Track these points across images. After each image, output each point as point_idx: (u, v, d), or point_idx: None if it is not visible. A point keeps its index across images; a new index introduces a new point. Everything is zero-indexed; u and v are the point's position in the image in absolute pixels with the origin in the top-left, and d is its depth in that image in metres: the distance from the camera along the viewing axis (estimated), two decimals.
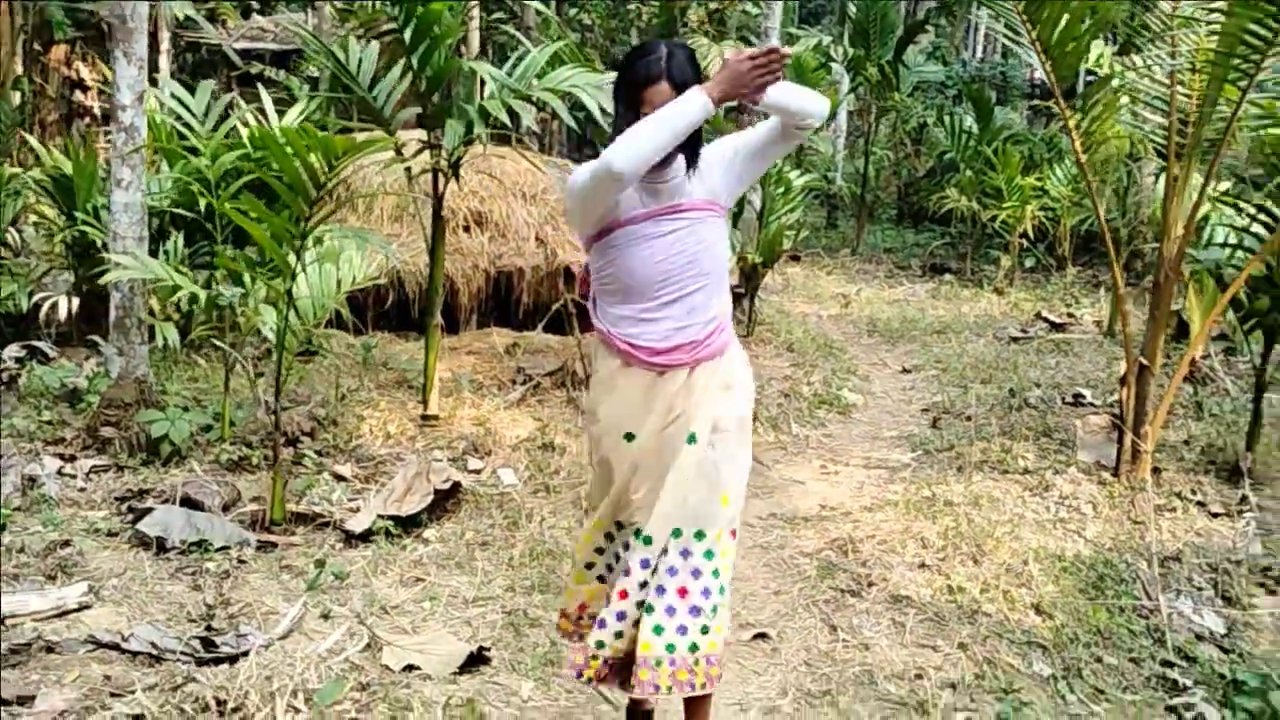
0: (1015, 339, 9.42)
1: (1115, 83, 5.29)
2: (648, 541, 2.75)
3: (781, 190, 8.60)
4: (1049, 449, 6.08)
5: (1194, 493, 5.54)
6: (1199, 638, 4.55)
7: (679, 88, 2.59)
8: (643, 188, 2.72)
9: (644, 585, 2.76)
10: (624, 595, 2.76)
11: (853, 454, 6.28)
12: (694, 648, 2.75)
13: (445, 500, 4.80)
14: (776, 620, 4.12)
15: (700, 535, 2.77)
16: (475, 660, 3.54)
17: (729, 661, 3.77)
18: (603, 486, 2.90)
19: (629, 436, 2.78)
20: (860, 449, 6.39)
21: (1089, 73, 5.91)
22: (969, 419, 6.80)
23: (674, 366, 2.73)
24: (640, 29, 13.19)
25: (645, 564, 2.76)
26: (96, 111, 12.52)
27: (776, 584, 4.46)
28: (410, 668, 3.45)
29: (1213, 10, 4.93)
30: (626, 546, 2.83)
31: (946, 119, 14.04)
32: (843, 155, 17.26)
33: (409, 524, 4.60)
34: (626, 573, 2.77)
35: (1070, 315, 10.34)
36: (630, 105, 2.64)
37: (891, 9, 14.90)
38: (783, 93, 2.61)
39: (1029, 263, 12.93)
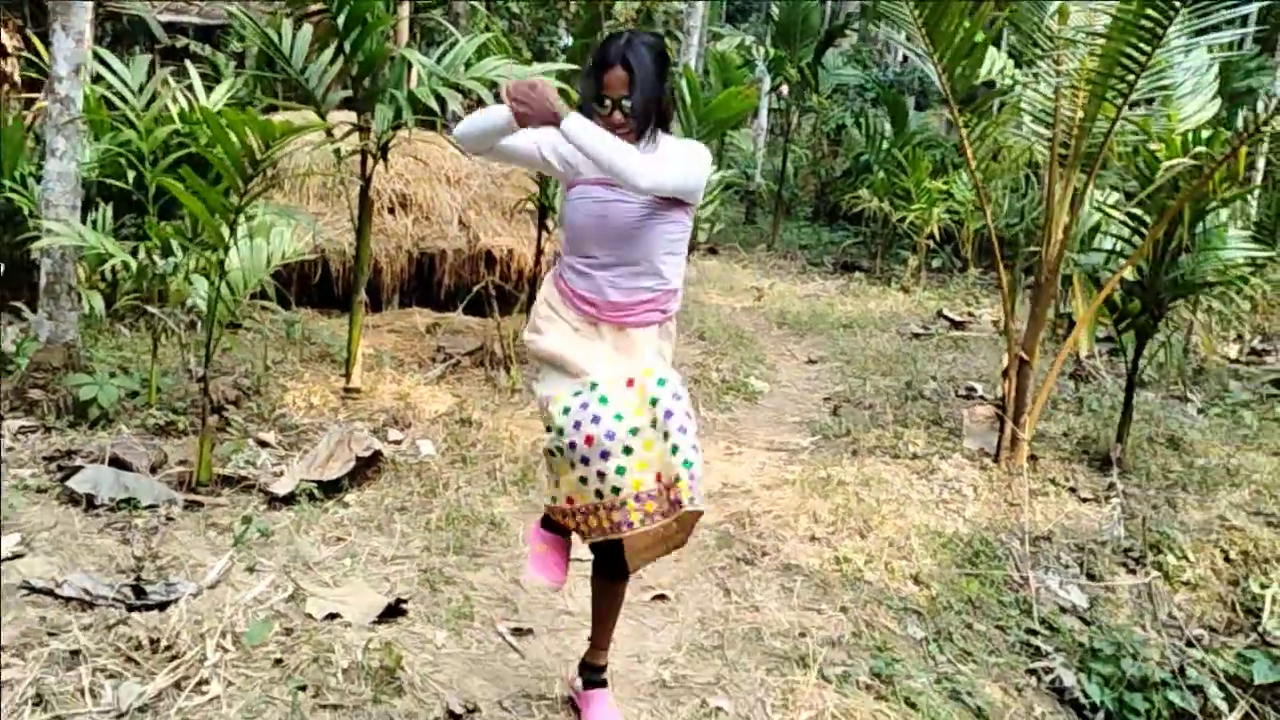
0: (917, 335, 9.89)
1: (1006, 96, 5.70)
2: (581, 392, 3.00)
3: None
4: (938, 436, 6.50)
5: (1067, 479, 6.00)
6: (1063, 610, 4.99)
7: (631, 73, 2.94)
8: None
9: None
10: (589, 441, 2.95)
11: (756, 437, 6.63)
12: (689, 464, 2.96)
13: (366, 468, 5.03)
14: (675, 584, 4.45)
15: (663, 382, 3.00)
16: (393, 611, 3.80)
17: (629, 618, 4.09)
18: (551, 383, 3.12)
19: (579, 374, 3.04)
20: (764, 433, 6.75)
21: (989, 84, 6.34)
22: (868, 408, 7.21)
23: (604, 321, 3.07)
24: (568, 20, 13.41)
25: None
26: (16, 78, 12.34)
27: (677, 553, 4.77)
28: (332, 616, 3.70)
29: (1093, 34, 5.35)
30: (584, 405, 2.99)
31: (863, 122, 14.57)
32: (763, 153, 17.69)
33: (331, 489, 4.83)
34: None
35: (970, 314, 10.87)
36: (592, 83, 3.00)
37: (814, 11, 15.36)
38: (583, 136, 2.87)
39: (936, 263, 13.49)
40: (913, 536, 5.08)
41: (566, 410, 2.99)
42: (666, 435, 2.93)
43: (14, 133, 6.71)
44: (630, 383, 3.00)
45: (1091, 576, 5.23)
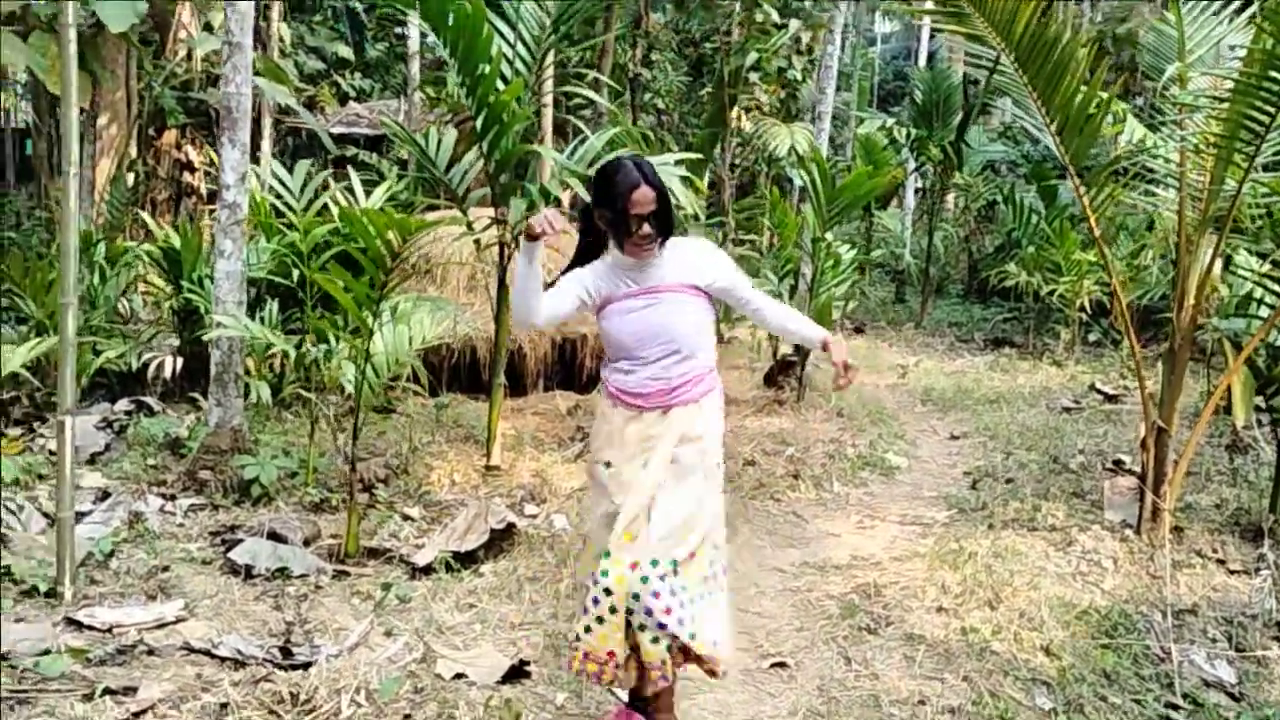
0: (1067, 409, 9.65)
1: (1126, 161, 5.67)
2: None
3: (831, 264, 9.05)
4: (1078, 509, 6.35)
5: (1215, 551, 5.76)
6: (1208, 685, 4.78)
7: (655, 188, 3.29)
8: (628, 277, 3.40)
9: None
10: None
11: (890, 511, 6.61)
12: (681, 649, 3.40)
13: (501, 540, 5.28)
14: (796, 651, 4.49)
15: (645, 579, 3.31)
16: (517, 673, 3.99)
17: (747, 685, 4.16)
18: (593, 510, 3.49)
19: (607, 464, 3.42)
20: (898, 507, 6.72)
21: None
22: (1009, 481, 7.09)
23: (649, 409, 3.40)
24: (710, 113, 13.83)
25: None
26: (202, 191, 13.49)
27: (800, 621, 4.83)
28: (459, 676, 3.91)
29: (1214, 98, 5.30)
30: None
31: (1012, 197, 14.42)
32: (909, 232, 17.64)
33: (467, 559, 5.09)
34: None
35: (1125, 387, 10.53)
36: (618, 208, 3.29)
37: (956, 91, 15.38)
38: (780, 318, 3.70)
39: (1092, 337, 13.13)
40: (1045, 608, 4.98)
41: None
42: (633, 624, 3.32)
43: (193, 239, 7.39)
44: (634, 566, 3.31)
45: (1240, 650, 5.00)
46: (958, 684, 4.26)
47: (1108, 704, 4.40)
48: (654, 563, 3.29)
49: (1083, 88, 5.32)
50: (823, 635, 4.66)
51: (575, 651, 3.38)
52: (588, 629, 3.32)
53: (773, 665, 4.36)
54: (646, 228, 3.29)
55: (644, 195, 3.26)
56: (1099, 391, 10.29)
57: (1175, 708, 4.50)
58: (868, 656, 4.46)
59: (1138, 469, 7.08)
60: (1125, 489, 6.39)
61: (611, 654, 3.36)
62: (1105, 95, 5.38)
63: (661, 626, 3.29)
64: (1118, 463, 7.51)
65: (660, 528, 3.32)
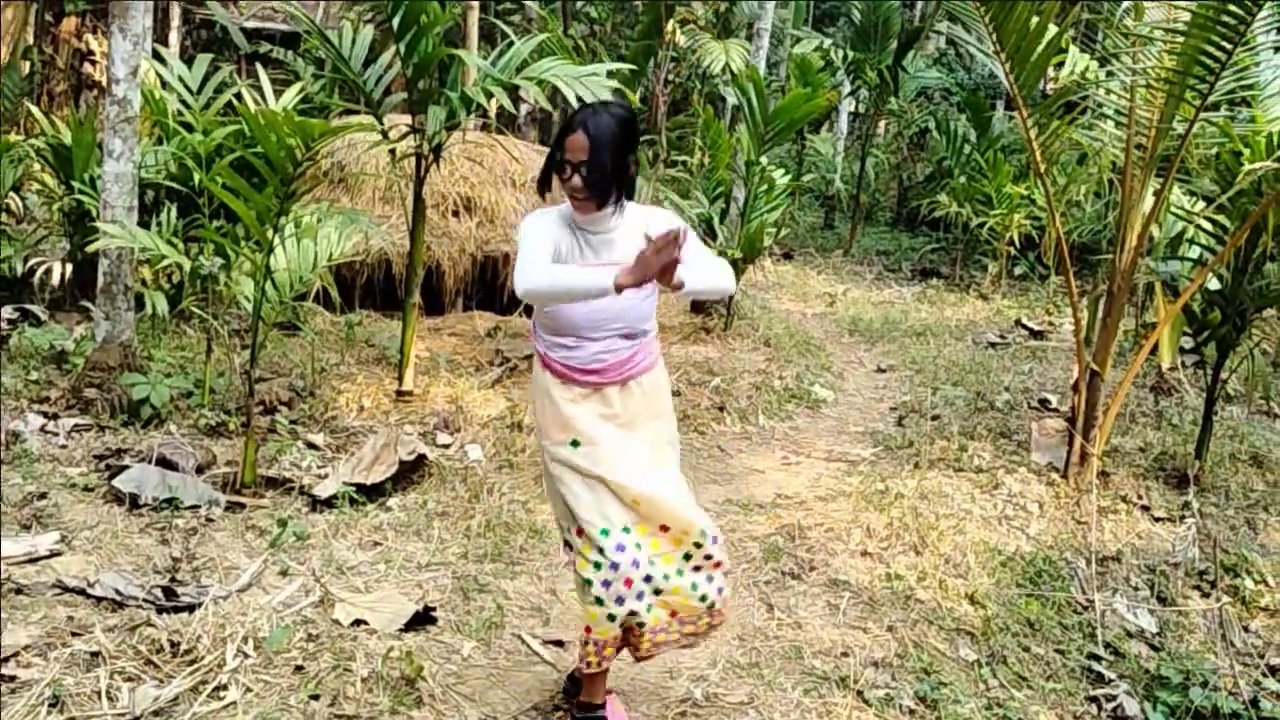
0: (993, 344, 9.59)
1: (1083, 96, 5.46)
2: (626, 531, 3.05)
3: (765, 188, 8.77)
4: (1005, 450, 6.25)
5: (1140, 497, 5.71)
6: (1130, 635, 4.73)
7: (592, 139, 2.90)
8: (583, 238, 3.04)
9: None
10: (629, 583, 3.04)
11: (816, 447, 6.46)
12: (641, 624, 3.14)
13: (411, 472, 5.00)
14: None
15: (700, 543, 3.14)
16: (421, 619, 3.74)
17: None
18: (559, 498, 3.14)
19: (574, 443, 3.07)
20: (824, 442, 6.57)
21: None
22: (935, 418, 6.98)
23: (605, 384, 3.08)
24: (645, 25, 13.34)
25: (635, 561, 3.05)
26: (104, 84, 12.70)
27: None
28: (359, 623, 3.64)
29: (1170, 30, 5.09)
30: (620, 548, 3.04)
31: (945, 125, 14.23)
32: (842, 158, 17.42)
33: (373, 492, 4.80)
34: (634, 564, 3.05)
35: (1050, 323, 10.51)
36: (554, 150, 2.98)
37: (894, 14, 15.05)
38: (694, 283, 2.91)
39: (1018, 271, 13.10)
40: (970, 554, 4.87)
41: (598, 560, 3.04)
42: (695, 586, 3.14)
43: (85, 135, 6.84)
44: (664, 529, 3.10)
45: (1162, 600, 4.96)
46: (882, 635, 4.12)
47: (1030, 654, 4.32)
48: (700, 540, 3.14)
49: (1035, 16, 5.07)
50: (744, 580, 4.49)
51: (588, 647, 3.13)
52: (612, 617, 3.05)
53: None
54: (577, 180, 2.92)
55: (576, 142, 2.91)
56: (1024, 327, 10.25)
57: (1097, 658, 4.44)
58: (790, 604, 4.29)
59: (1065, 410, 7.02)
60: (1052, 431, 6.31)
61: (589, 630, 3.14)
62: (1059, 26, 5.13)
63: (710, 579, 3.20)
64: (1043, 402, 7.45)
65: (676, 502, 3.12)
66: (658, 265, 2.75)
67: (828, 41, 15.71)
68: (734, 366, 7.81)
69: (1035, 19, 5.07)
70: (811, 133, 17.32)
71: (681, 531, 3.11)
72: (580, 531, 3.06)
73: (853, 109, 19.02)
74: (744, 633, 4.04)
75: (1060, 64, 7.49)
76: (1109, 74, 5.45)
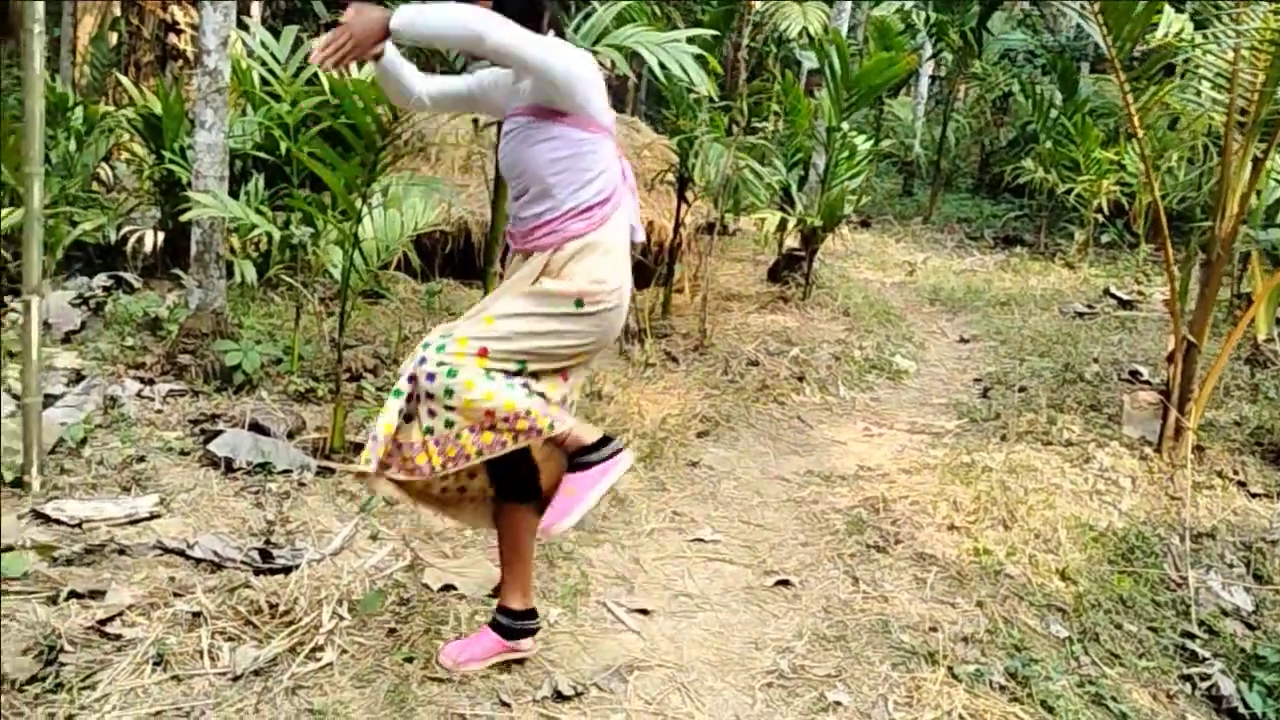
0: (1080, 314, 9.37)
1: (1182, 59, 5.27)
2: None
3: (846, 155, 8.64)
4: (1096, 423, 6.12)
5: (1236, 472, 5.55)
6: (1225, 613, 4.61)
7: None
8: (511, 89, 3.10)
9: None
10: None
11: (898, 418, 6.38)
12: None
13: None
14: (800, 570, 4.29)
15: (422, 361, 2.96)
16: None
17: (750, 604, 3.96)
18: None
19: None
20: (906, 414, 6.49)
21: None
22: (1021, 390, 6.85)
23: (517, 250, 3.09)
24: None
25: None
26: (189, 54, 12.89)
27: (805, 536, 4.62)
28: (448, 588, 3.69)
29: None
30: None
31: (1030, 89, 13.88)
32: (922, 123, 17.10)
33: None
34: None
35: (1140, 293, 10.24)
36: None
37: None
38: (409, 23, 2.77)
39: (1105, 238, 12.77)
40: (1061, 529, 4.78)
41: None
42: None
43: (174, 106, 6.97)
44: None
45: (1259, 578, 4.82)
46: (971, 609, 4.07)
47: (1123, 632, 4.23)
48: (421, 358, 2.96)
49: None
50: (828, 552, 4.46)
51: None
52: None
53: (776, 583, 4.16)
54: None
55: None
56: (1113, 296, 10.00)
57: (1191, 636, 4.33)
58: (876, 577, 4.25)
59: (1157, 382, 6.85)
60: (1145, 404, 6.15)
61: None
62: None
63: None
64: (1134, 374, 7.26)
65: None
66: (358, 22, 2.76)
67: (909, 3, 15.37)
68: (813, 336, 7.74)
69: None
70: (890, 97, 17.02)
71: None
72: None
73: (933, 72, 18.63)
74: (829, 605, 4.01)
75: (1154, 25, 7.26)
76: (1207, 36, 5.24)
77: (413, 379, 2.94)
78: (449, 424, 2.91)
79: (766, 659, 3.61)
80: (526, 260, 3.03)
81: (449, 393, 2.88)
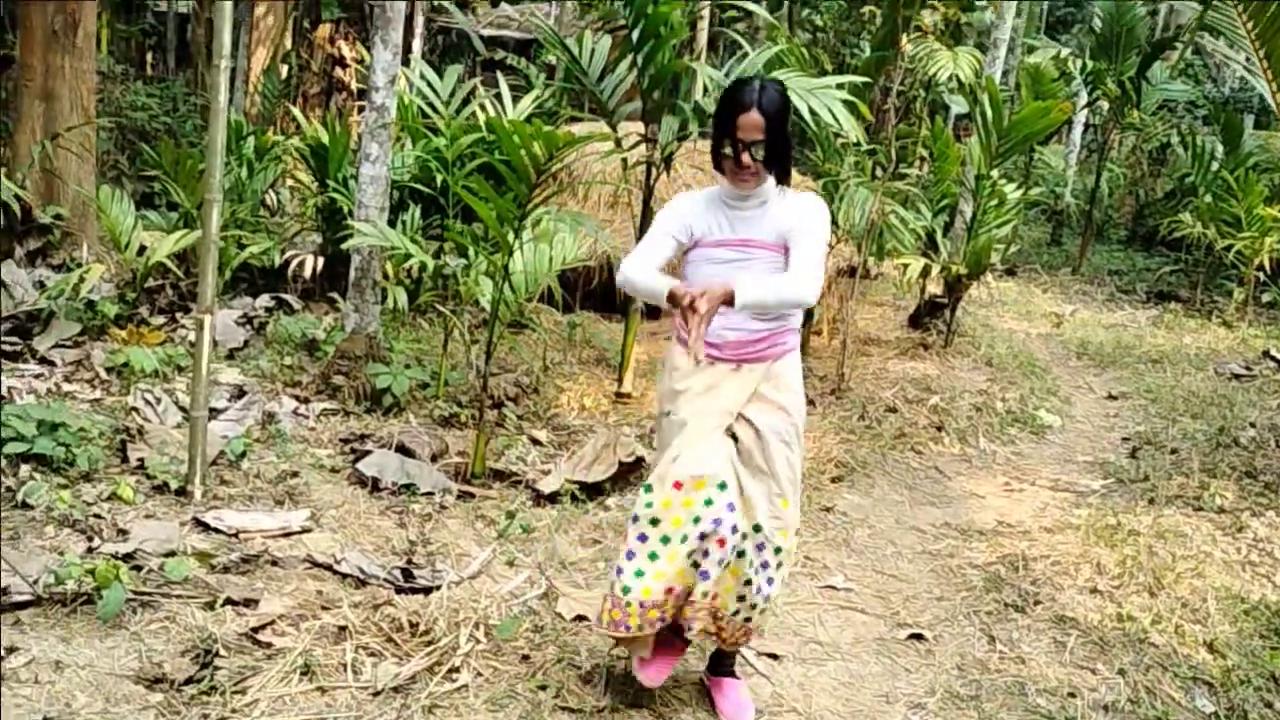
0: (1237, 375, 8.98)
1: None
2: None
3: (995, 203, 8.49)
4: (1250, 490, 5.86)
5: None
6: None
7: (768, 117, 2.94)
8: (727, 215, 3.12)
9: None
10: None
11: (1040, 474, 6.22)
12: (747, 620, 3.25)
13: (629, 473, 5.10)
14: (935, 624, 4.21)
15: (758, 529, 3.12)
16: None
17: (882, 656, 3.92)
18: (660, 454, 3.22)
19: (667, 414, 3.17)
20: (1049, 470, 6.32)
21: None
22: (1172, 452, 6.60)
23: (721, 360, 3.12)
24: (870, 33, 13.14)
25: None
26: (353, 87, 13.50)
27: (940, 590, 4.54)
28: (580, 618, 3.75)
29: None
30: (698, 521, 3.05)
31: (1190, 140, 13.42)
32: (1074, 171, 16.68)
33: (593, 490, 4.93)
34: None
35: None
36: (724, 128, 3.00)
37: (1140, 22, 14.29)
38: (752, 297, 2.90)
39: (1266, 298, 12.22)
40: (1210, 599, 4.58)
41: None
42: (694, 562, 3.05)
43: (340, 137, 7.30)
44: (678, 485, 3.02)
45: None
46: (1112, 677, 3.93)
47: (1274, 711, 4.02)
48: (708, 501, 3.05)
49: None
50: (964, 608, 4.37)
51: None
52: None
53: (909, 636, 4.10)
54: (746, 158, 2.97)
55: (750, 121, 2.94)
56: (1273, 359, 9.54)
57: None
58: (1013, 637, 4.15)
59: None
60: None
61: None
62: None
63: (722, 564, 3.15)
64: None
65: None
66: (699, 306, 2.82)
67: (1065, 51, 15.07)
68: (953, 385, 7.60)
69: None
70: (1041, 144, 16.65)
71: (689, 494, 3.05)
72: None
73: (1087, 120, 18.18)
74: (964, 663, 3.93)
75: None
76: None
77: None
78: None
79: (897, 714, 3.56)
80: (735, 372, 3.13)
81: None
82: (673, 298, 2.91)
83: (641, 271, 3.06)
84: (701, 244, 3.13)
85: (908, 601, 4.39)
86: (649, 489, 3.06)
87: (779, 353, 3.17)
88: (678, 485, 3.01)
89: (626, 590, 3.05)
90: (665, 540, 3.02)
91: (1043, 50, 15.27)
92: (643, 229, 6.21)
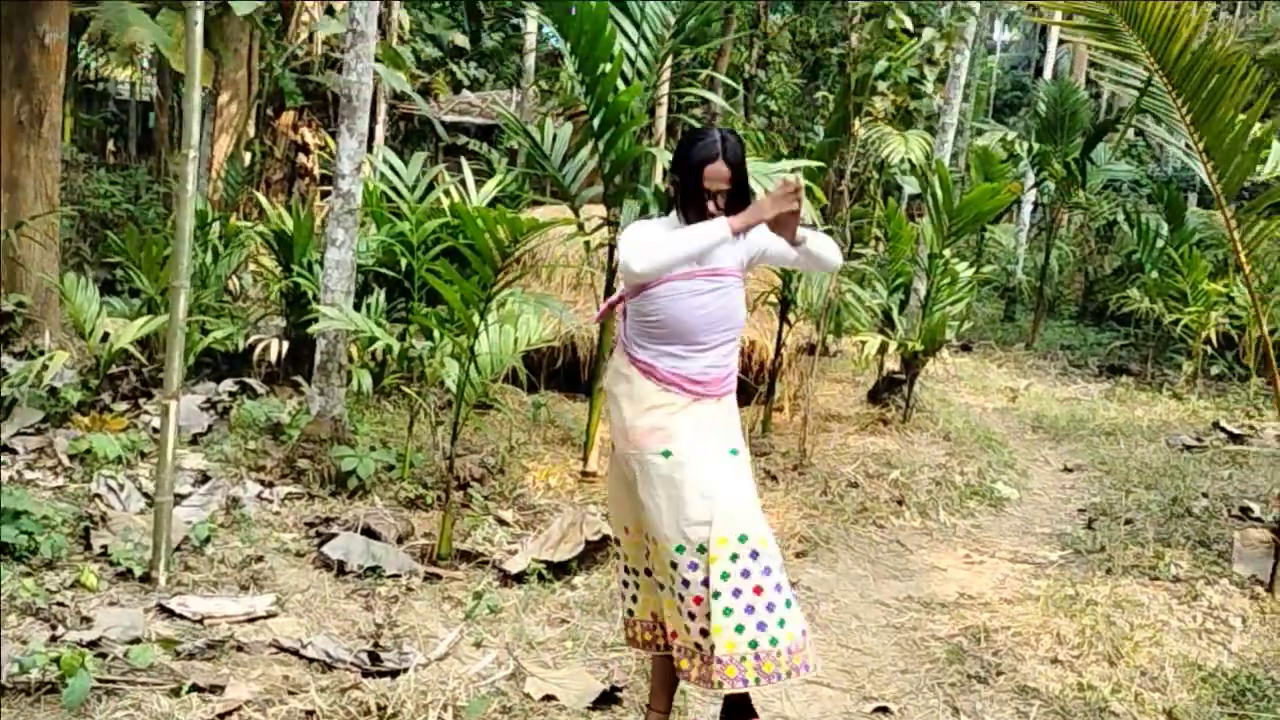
0: (1189, 447, 9.17)
1: None
2: (701, 550, 3.13)
3: (948, 281, 8.71)
4: (1205, 560, 5.97)
5: None
6: None
7: (732, 166, 3.13)
8: (734, 245, 3.26)
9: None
10: (698, 601, 3.14)
11: (1000, 546, 6.31)
12: (774, 641, 3.15)
13: (595, 551, 5.13)
14: (900, 696, 4.26)
15: (744, 539, 3.18)
16: (608, 698, 3.83)
17: None
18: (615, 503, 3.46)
19: (666, 453, 3.19)
20: (1008, 543, 6.42)
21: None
22: (1128, 523, 6.73)
23: (708, 396, 3.24)
24: (825, 117, 13.52)
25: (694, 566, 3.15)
26: (316, 173, 13.64)
27: (904, 663, 4.59)
28: (548, 698, 3.77)
29: None
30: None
31: (1135, 218, 13.83)
32: (1024, 249, 17.09)
33: (560, 570, 4.96)
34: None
35: (1251, 427, 9.98)
36: (690, 180, 3.17)
37: (1083, 105, 14.82)
38: (812, 244, 3.25)
39: (1215, 370, 12.52)
40: (1168, 667, 4.66)
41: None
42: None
43: (305, 222, 7.39)
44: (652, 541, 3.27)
45: None
46: None
47: None
48: (742, 538, 3.18)
49: (1241, 115, 4.98)
50: (928, 680, 4.42)
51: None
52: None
53: (875, 710, 4.14)
54: (712, 206, 3.14)
55: (717, 172, 3.12)
56: (1223, 430, 9.76)
57: None
58: (977, 708, 4.20)
59: (1269, 519, 6.67)
60: (1257, 541, 5.99)
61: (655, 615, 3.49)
62: (1270, 123, 5.02)
63: (750, 610, 3.18)
64: (1245, 510, 7.07)
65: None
66: (773, 211, 3.03)
67: (1012, 134, 15.56)
68: (913, 459, 7.72)
69: (1241, 117, 4.98)
70: (992, 223, 17.08)
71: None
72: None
73: (1035, 199, 18.68)
74: None
75: (1264, 160, 7.27)
76: None
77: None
78: None
79: None
80: (719, 403, 3.29)
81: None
82: (737, 229, 3.03)
83: (668, 241, 3.07)
84: (669, 280, 3.15)
85: (873, 675, 4.44)
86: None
87: (732, 387, 3.36)
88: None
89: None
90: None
91: (990, 133, 15.76)
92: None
